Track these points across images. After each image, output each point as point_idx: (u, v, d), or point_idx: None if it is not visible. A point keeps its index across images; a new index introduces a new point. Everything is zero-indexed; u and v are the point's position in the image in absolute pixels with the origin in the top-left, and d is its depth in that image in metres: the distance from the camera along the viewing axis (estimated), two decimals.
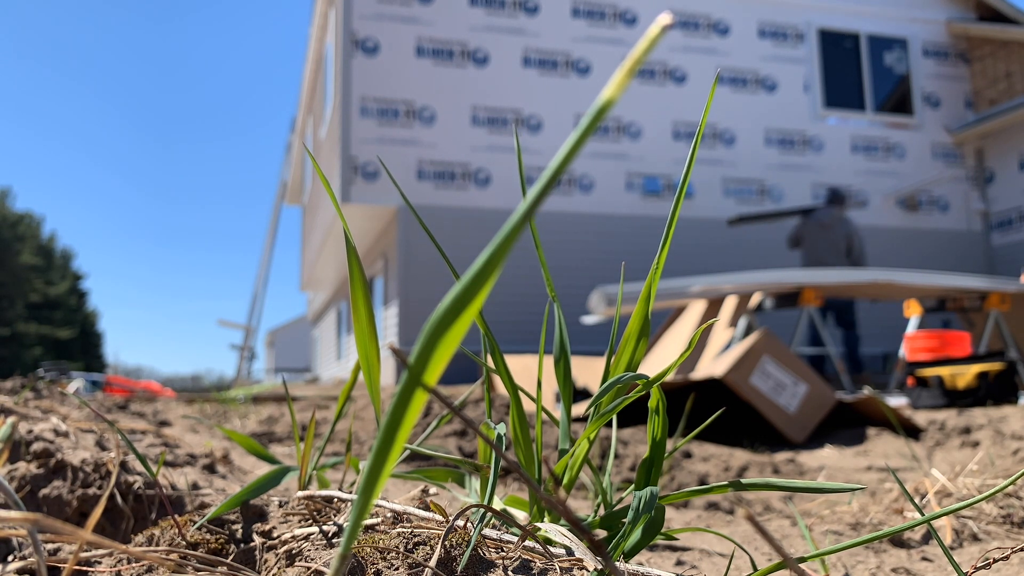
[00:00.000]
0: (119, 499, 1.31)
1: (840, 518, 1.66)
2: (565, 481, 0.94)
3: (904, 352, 5.90)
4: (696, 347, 5.34)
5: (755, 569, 0.82)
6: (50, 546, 0.94)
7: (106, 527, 1.30)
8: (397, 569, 0.72)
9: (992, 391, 4.80)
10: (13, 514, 0.48)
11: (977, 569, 0.92)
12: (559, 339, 1.03)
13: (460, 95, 10.88)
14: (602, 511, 1.05)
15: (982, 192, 12.84)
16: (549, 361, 5.35)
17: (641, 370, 3.41)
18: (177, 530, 0.94)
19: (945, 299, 7.21)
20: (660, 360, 5.72)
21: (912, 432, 3.62)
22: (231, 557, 0.92)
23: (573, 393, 1.02)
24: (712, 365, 4.02)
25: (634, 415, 3.93)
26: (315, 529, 0.85)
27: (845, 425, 4.05)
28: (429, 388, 0.39)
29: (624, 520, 0.91)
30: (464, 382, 9.39)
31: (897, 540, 1.45)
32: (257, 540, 0.93)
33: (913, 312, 7.09)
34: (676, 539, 1.37)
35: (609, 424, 2.89)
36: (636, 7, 11.62)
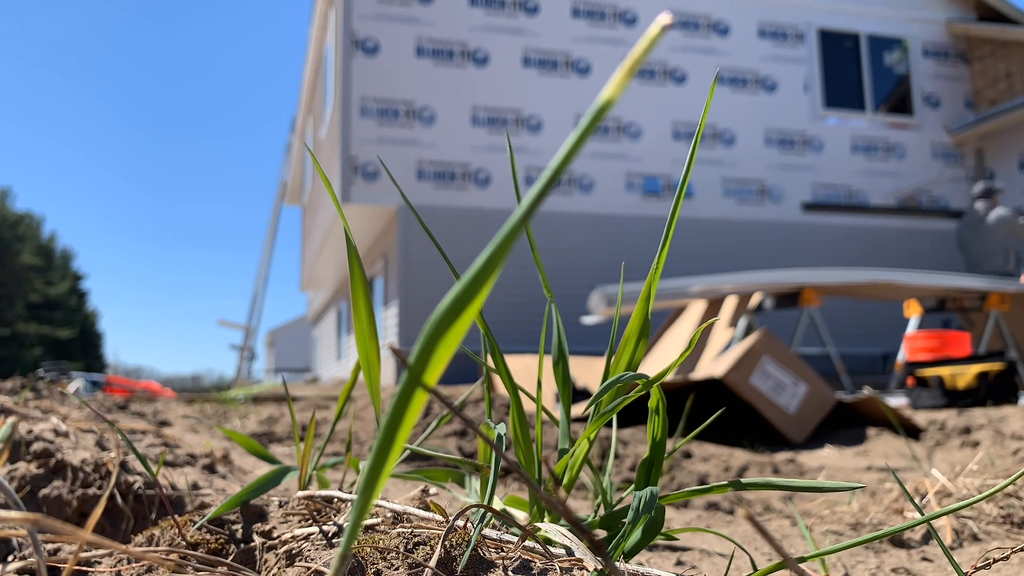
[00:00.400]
0: (119, 499, 1.31)
1: (840, 518, 1.66)
2: (565, 481, 0.94)
3: (904, 352, 5.90)
4: (696, 347, 5.35)
5: (755, 569, 0.82)
6: (50, 546, 0.94)
7: (106, 527, 1.30)
8: (397, 569, 0.72)
9: (992, 391, 4.80)
10: (13, 514, 0.48)
11: (977, 569, 0.92)
12: (557, 340, 1.03)
13: (460, 95, 10.88)
14: (602, 511, 1.05)
15: None
16: (549, 361, 5.35)
17: (641, 370, 3.40)
18: (177, 530, 0.94)
19: (945, 299, 7.21)
20: (660, 360, 5.72)
21: (912, 432, 3.62)
22: (231, 557, 0.92)
23: (573, 393, 1.02)
24: (712, 365, 4.02)
25: (634, 415, 3.93)
26: (315, 529, 0.85)
27: (845, 425, 4.05)
28: (429, 388, 0.39)
29: (624, 520, 0.91)
30: (464, 382, 9.39)
31: (897, 540, 1.45)
32: (257, 540, 0.93)
33: (913, 312, 7.09)
34: (676, 539, 1.37)
35: (609, 424, 2.89)
36: (636, 7, 11.62)
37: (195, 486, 1.47)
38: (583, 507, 2.04)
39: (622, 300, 1.07)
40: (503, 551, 0.78)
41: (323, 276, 17.63)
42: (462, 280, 0.39)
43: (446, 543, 0.75)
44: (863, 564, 1.29)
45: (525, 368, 5.09)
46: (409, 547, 0.75)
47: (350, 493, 0.93)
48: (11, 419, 1.40)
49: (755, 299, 6.81)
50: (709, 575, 1.20)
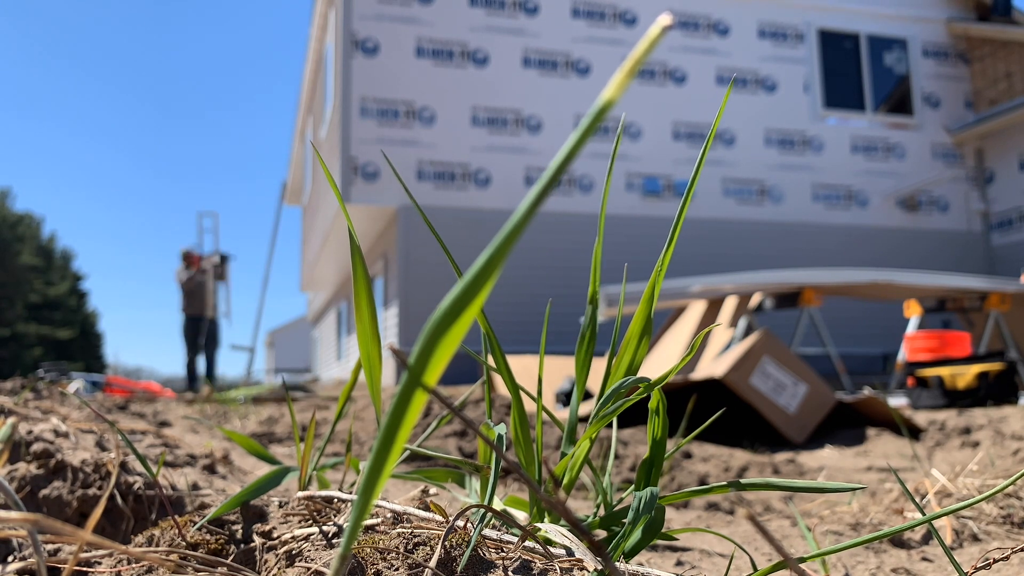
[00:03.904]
0: (119, 500, 1.31)
1: (840, 518, 1.66)
2: (565, 482, 0.94)
3: (904, 352, 5.90)
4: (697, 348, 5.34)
5: (755, 569, 0.82)
6: (50, 546, 0.94)
7: (106, 528, 1.30)
8: (397, 569, 0.72)
9: (992, 391, 4.80)
10: (13, 514, 0.48)
11: (977, 569, 0.92)
12: (588, 325, 1.03)
13: (460, 95, 10.88)
14: (602, 511, 1.05)
15: (982, 192, 12.85)
16: (550, 361, 5.36)
17: (642, 371, 3.39)
18: (177, 531, 0.94)
19: (945, 299, 7.21)
20: (660, 360, 5.72)
21: (912, 432, 3.62)
22: (231, 558, 0.92)
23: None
24: (712, 365, 4.02)
25: (634, 415, 3.93)
26: (315, 529, 0.85)
27: (845, 425, 4.05)
28: (429, 389, 0.39)
29: (624, 520, 0.91)
30: (465, 382, 9.39)
31: (897, 540, 1.45)
32: (257, 540, 0.93)
33: (913, 312, 7.09)
34: (676, 539, 1.37)
35: (609, 424, 2.89)
36: (636, 7, 11.63)
37: (195, 486, 1.47)
38: (583, 507, 2.04)
39: (623, 300, 1.07)
40: (503, 551, 0.78)
41: (323, 276, 17.63)
42: (463, 280, 0.39)
43: (446, 543, 0.75)
44: (863, 564, 1.29)
45: (525, 368, 5.09)
46: (409, 547, 0.75)
47: (350, 493, 0.93)
48: (11, 420, 1.40)
49: (755, 299, 6.80)
50: (709, 575, 1.20)
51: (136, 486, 1.34)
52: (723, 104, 0.77)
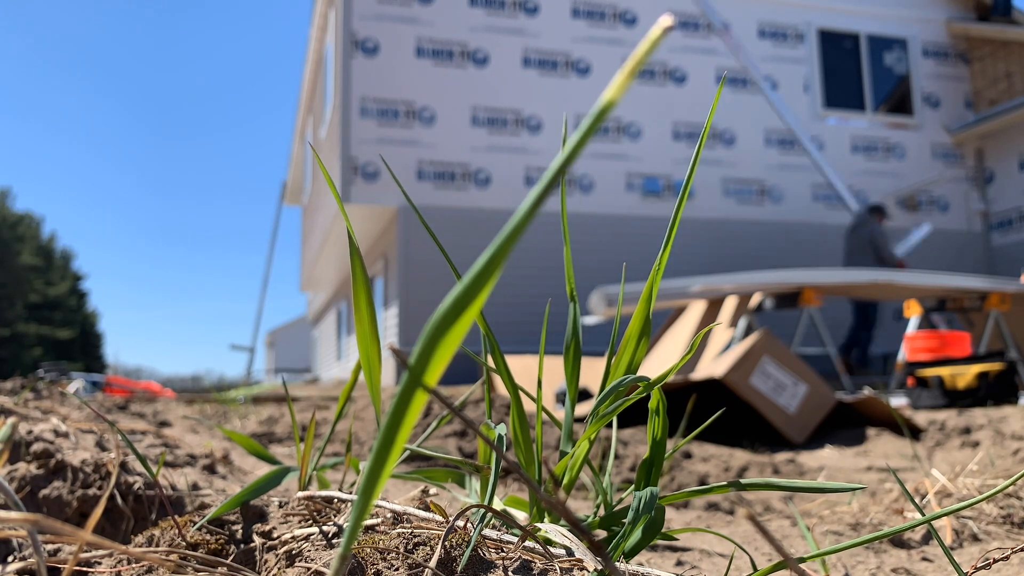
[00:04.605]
0: (119, 500, 1.31)
1: (840, 518, 1.66)
2: (565, 482, 0.94)
3: (904, 352, 5.90)
4: (696, 348, 5.34)
5: (755, 569, 0.82)
6: (50, 547, 0.94)
7: (106, 528, 1.30)
8: (397, 569, 0.72)
9: (992, 391, 4.80)
10: (13, 515, 0.48)
11: (977, 569, 0.92)
12: (571, 332, 1.03)
13: (460, 95, 10.88)
14: (602, 511, 1.05)
15: (982, 192, 12.85)
16: (549, 361, 5.36)
17: (641, 371, 3.38)
18: (177, 531, 0.94)
19: (945, 299, 7.21)
20: (660, 360, 5.72)
21: (912, 432, 3.62)
22: (231, 558, 0.92)
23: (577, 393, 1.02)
24: (712, 365, 4.02)
25: (634, 415, 3.93)
26: (315, 529, 0.85)
27: (845, 425, 4.05)
28: (429, 389, 0.39)
29: (624, 520, 0.91)
30: (465, 382, 9.39)
31: (897, 540, 1.45)
32: (257, 541, 0.93)
33: (913, 312, 7.09)
34: (676, 539, 1.37)
35: (609, 424, 2.89)
36: (636, 7, 11.62)
37: (195, 487, 1.47)
38: (583, 507, 2.04)
39: (623, 300, 1.07)
40: (503, 551, 0.78)
41: (323, 276, 17.63)
42: (463, 281, 0.39)
43: (446, 543, 0.75)
44: (863, 564, 1.29)
45: (525, 368, 5.09)
46: (409, 547, 0.75)
47: (350, 493, 0.93)
48: (11, 420, 1.40)
49: (755, 299, 6.81)
50: (709, 575, 1.20)
51: (136, 486, 1.34)
52: (716, 99, 0.77)
